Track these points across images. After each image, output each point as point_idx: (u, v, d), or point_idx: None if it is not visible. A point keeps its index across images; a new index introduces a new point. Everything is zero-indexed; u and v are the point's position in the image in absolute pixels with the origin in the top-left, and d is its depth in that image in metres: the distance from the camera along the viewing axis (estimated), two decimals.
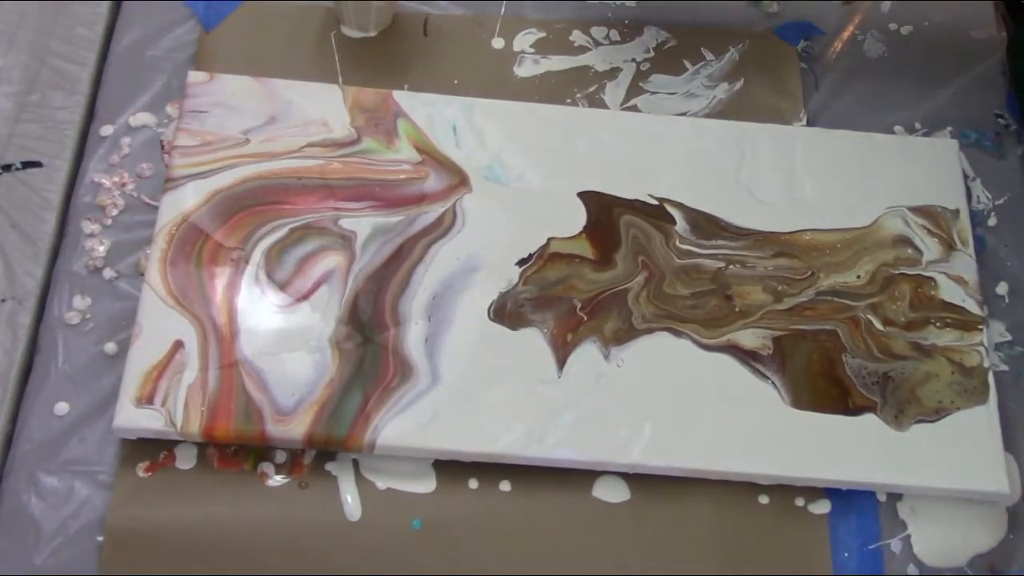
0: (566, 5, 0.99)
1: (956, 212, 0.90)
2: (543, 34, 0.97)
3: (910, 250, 0.88)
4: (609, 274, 0.85)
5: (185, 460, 0.78)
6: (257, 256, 0.83)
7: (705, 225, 0.88)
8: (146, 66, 0.93)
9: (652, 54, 0.97)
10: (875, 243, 0.88)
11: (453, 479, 0.79)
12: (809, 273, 0.86)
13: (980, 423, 0.82)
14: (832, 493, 0.81)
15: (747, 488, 0.80)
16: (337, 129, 0.88)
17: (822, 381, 0.82)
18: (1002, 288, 0.89)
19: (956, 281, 0.87)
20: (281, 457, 0.79)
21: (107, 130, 0.90)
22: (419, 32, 0.97)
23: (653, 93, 0.95)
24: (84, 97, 0.92)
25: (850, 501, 0.81)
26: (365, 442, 0.77)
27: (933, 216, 0.89)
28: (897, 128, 0.96)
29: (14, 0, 0.95)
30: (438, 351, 0.80)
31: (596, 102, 0.94)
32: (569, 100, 0.94)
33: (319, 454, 0.79)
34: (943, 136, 0.95)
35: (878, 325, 0.84)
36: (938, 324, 0.85)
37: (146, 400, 0.77)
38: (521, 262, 0.84)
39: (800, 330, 0.84)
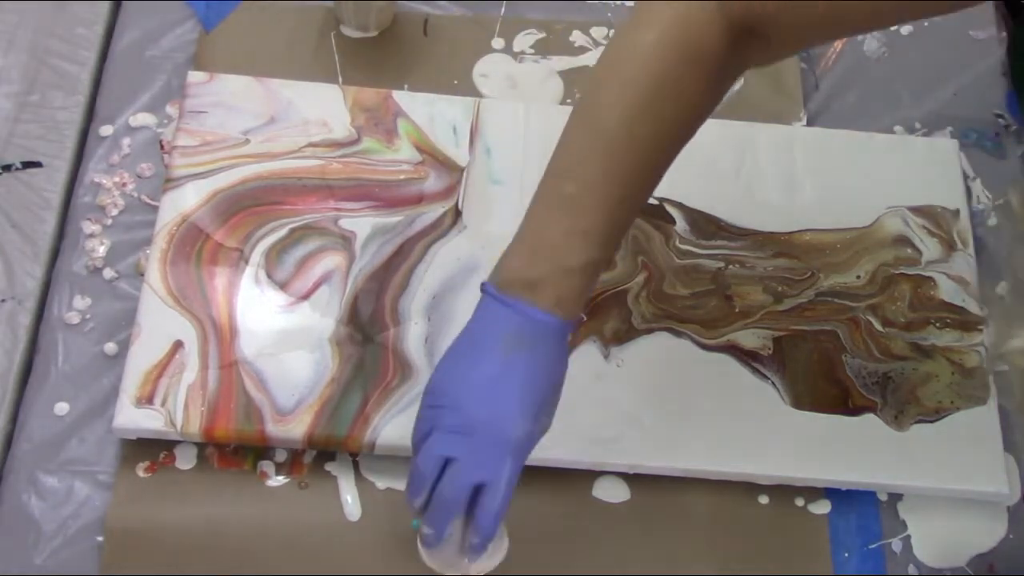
0: (566, 5, 0.99)
1: (956, 212, 0.90)
2: (543, 34, 0.97)
3: (910, 250, 0.88)
4: (609, 274, 0.84)
5: (185, 460, 0.78)
6: (257, 256, 0.83)
7: (705, 225, 0.88)
8: (146, 66, 0.93)
9: None
10: (875, 243, 0.88)
11: None
12: (809, 274, 0.86)
13: (980, 423, 0.82)
14: (832, 493, 0.81)
15: (747, 488, 0.80)
16: (337, 129, 0.88)
17: (822, 381, 0.82)
18: (1002, 288, 0.89)
19: (956, 281, 0.87)
20: (281, 456, 0.79)
21: (107, 130, 0.90)
22: (419, 32, 0.97)
23: None
24: (84, 97, 0.92)
25: (850, 501, 0.81)
26: (365, 442, 0.77)
27: (933, 216, 0.89)
28: (897, 128, 0.96)
29: (14, 0, 0.95)
30: (438, 351, 0.80)
31: None
32: (569, 100, 0.94)
33: (319, 454, 0.79)
34: (943, 136, 0.95)
35: (878, 326, 0.84)
36: (938, 324, 0.85)
37: (146, 400, 0.77)
38: None
39: (800, 330, 0.84)
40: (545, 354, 0.64)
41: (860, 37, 1.00)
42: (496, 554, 0.68)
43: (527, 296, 0.63)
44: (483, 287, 0.65)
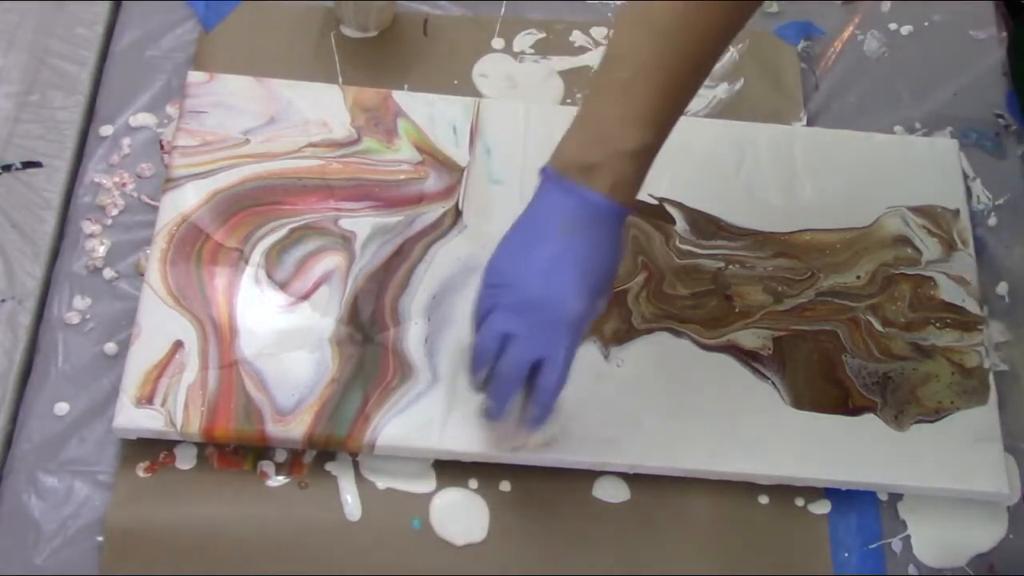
0: (566, 5, 0.99)
1: (956, 212, 0.90)
2: (543, 34, 0.97)
3: (910, 250, 0.88)
4: None
5: (185, 460, 0.78)
6: (257, 256, 0.83)
7: (705, 225, 0.88)
8: (146, 66, 0.93)
9: None
10: (875, 243, 0.88)
11: (453, 479, 0.79)
12: (809, 274, 0.86)
13: (980, 423, 0.82)
14: (832, 493, 0.81)
15: (747, 488, 0.80)
16: (337, 129, 0.88)
17: (822, 381, 0.82)
18: (1002, 288, 0.89)
19: (956, 281, 0.87)
20: (281, 456, 0.79)
21: (107, 130, 0.90)
22: (419, 32, 0.97)
23: None
24: (84, 97, 0.92)
25: (850, 501, 0.81)
26: (365, 442, 0.77)
27: (933, 216, 0.89)
28: (897, 128, 0.96)
29: (14, 0, 0.95)
30: (438, 351, 0.80)
31: None
32: (569, 100, 0.94)
33: (319, 454, 0.79)
34: (943, 136, 0.95)
35: (878, 326, 0.84)
36: (938, 324, 0.85)
37: (146, 400, 0.77)
38: None
39: (800, 330, 0.84)
40: (603, 235, 0.66)
41: (860, 36, 1.00)
42: (552, 427, 0.72)
43: (583, 180, 0.65)
44: (542, 171, 0.67)
